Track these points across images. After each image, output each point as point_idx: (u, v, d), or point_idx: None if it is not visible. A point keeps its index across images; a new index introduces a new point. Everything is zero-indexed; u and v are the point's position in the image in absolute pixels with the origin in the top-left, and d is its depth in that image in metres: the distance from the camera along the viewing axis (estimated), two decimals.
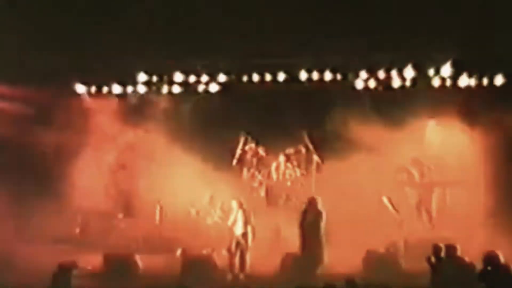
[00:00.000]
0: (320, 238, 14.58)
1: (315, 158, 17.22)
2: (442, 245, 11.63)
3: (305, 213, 14.83)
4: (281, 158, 17.39)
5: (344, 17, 14.94)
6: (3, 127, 15.66)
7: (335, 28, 14.89)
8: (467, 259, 11.47)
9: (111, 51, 15.26)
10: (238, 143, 17.25)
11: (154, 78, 16.62)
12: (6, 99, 15.67)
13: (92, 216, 16.35)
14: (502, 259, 10.20)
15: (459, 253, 11.55)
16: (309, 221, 14.68)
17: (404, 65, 16.10)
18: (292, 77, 16.51)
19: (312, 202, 14.90)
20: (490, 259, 10.17)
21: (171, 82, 16.61)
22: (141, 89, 16.62)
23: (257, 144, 17.36)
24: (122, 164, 17.02)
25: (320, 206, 14.82)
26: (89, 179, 16.44)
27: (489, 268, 10.09)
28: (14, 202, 15.47)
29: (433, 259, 11.37)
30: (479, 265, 10.43)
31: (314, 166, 17.25)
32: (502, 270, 10.06)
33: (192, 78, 16.48)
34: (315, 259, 14.32)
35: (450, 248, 11.59)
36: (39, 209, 15.41)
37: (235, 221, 14.74)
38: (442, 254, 11.56)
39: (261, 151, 17.41)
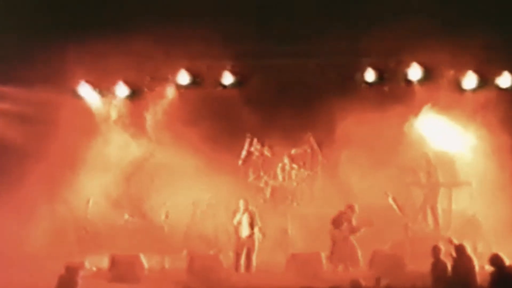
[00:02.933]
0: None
1: (320, 158, 17.22)
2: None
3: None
4: (287, 158, 17.39)
5: (347, 16, 14.97)
6: (8, 129, 15.71)
7: (339, 28, 14.89)
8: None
9: (114, 52, 15.27)
10: (243, 144, 17.28)
11: (158, 80, 16.66)
12: (9, 100, 15.72)
13: (98, 217, 16.39)
14: (506, 261, 10.22)
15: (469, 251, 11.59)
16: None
17: (411, 65, 16.09)
18: (297, 77, 16.53)
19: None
20: (495, 261, 10.21)
21: (175, 84, 16.63)
22: (146, 90, 16.65)
23: (262, 145, 17.38)
24: (128, 166, 17.03)
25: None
26: (95, 178, 16.51)
27: (493, 270, 10.14)
28: (19, 202, 15.49)
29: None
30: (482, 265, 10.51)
31: (319, 166, 17.25)
32: (506, 271, 10.08)
33: (197, 80, 16.50)
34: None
35: (460, 247, 11.62)
36: (44, 208, 15.49)
37: (241, 222, 14.76)
38: (441, 255, 11.67)
39: (266, 152, 17.42)
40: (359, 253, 14.68)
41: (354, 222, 14.91)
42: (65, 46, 14.93)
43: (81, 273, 11.69)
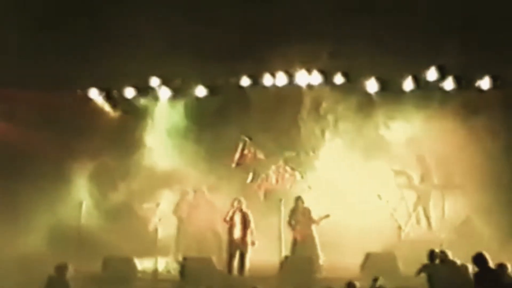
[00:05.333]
0: (313, 236, 14.83)
1: (314, 161, 17.23)
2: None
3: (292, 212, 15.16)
4: (280, 161, 17.40)
5: (345, 21, 15.02)
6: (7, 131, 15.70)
7: (336, 33, 14.92)
8: (459, 261, 11.59)
9: (115, 55, 15.29)
10: (237, 146, 17.28)
11: (152, 83, 16.67)
12: (10, 102, 15.70)
13: (91, 220, 16.33)
14: (490, 260, 10.29)
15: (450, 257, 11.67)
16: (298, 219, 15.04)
17: (404, 69, 16.13)
18: (291, 81, 16.57)
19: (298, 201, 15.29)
20: (478, 260, 10.28)
21: (170, 88, 16.65)
22: (141, 93, 16.65)
23: (256, 147, 17.38)
24: (122, 167, 16.98)
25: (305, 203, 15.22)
26: (88, 180, 16.45)
27: (476, 269, 10.21)
28: (12, 203, 15.43)
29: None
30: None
31: (312, 169, 17.25)
32: (489, 271, 10.13)
33: (191, 84, 16.52)
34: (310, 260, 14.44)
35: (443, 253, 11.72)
36: (38, 212, 15.43)
37: (234, 223, 14.73)
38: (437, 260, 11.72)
39: (260, 154, 17.42)
40: (319, 250, 14.79)
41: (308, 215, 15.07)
42: (73, 48, 14.98)
43: (72, 274, 11.63)
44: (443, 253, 11.90)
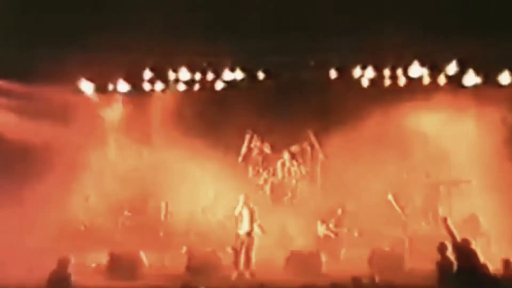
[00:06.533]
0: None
1: (320, 155, 17.22)
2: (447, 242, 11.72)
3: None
4: (286, 155, 17.39)
5: (349, 14, 14.94)
6: (12, 126, 15.72)
7: (340, 25, 14.86)
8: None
9: (116, 48, 15.22)
10: (243, 140, 17.27)
11: (158, 77, 16.62)
12: (9, 96, 15.70)
13: (98, 214, 16.37)
14: (480, 257, 10.29)
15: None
16: None
17: (410, 63, 16.05)
18: (297, 75, 16.52)
19: None
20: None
21: (176, 80, 16.59)
22: (146, 86, 16.59)
23: (262, 141, 17.38)
24: (127, 162, 17.01)
25: None
26: (94, 174, 16.48)
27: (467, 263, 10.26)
28: (18, 197, 15.45)
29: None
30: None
31: (319, 163, 17.24)
32: (479, 267, 10.14)
33: (197, 76, 16.45)
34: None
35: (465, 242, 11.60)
36: (45, 206, 15.46)
37: (240, 217, 14.72)
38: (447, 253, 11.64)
39: (266, 148, 17.42)
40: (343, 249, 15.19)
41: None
42: (67, 42, 14.92)
43: (73, 266, 11.62)
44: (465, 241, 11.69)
